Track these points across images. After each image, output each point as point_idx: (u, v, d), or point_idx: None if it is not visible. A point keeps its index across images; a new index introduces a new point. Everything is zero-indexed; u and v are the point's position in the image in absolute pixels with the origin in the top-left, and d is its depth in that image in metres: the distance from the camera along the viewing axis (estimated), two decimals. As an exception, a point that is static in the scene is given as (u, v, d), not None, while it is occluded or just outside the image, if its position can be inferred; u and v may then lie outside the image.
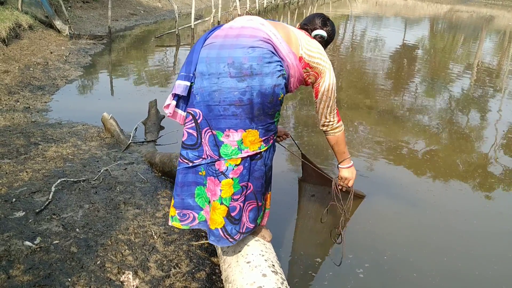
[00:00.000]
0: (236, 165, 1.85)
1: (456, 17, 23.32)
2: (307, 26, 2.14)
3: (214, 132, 1.85)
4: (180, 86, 1.87)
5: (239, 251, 2.04)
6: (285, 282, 1.85)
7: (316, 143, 4.33)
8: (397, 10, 25.36)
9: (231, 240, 1.93)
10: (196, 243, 2.45)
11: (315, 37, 2.11)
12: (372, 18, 20.35)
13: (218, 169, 1.87)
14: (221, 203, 1.88)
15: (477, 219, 3.18)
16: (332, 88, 2.03)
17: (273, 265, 1.93)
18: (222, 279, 2.11)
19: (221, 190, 1.87)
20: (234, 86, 1.75)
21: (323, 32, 2.11)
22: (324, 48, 2.13)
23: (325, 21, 2.15)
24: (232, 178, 1.86)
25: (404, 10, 25.74)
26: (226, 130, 1.82)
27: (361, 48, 11.71)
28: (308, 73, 1.98)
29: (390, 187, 3.56)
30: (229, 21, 2.32)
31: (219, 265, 2.26)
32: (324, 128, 2.14)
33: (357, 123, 5.18)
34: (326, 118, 2.09)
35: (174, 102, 1.92)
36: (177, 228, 2.54)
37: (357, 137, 4.74)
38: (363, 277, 2.43)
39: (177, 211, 2.03)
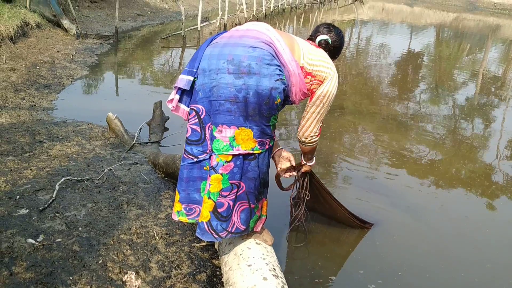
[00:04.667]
0: (227, 161, 1.87)
1: (462, 26, 23.22)
2: (312, 36, 2.18)
3: (212, 126, 1.90)
4: (183, 80, 1.94)
5: (241, 254, 2.05)
6: (286, 287, 1.85)
7: (318, 149, 4.34)
8: (403, 17, 25.33)
9: (215, 236, 1.95)
10: (198, 245, 2.45)
11: (319, 43, 2.13)
12: (378, 24, 20.34)
13: (211, 164, 1.91)
14: (209, 198, 1.91)
15: (488, 228, 3.17)
16: (328, 96, 2.02)
17: (274, 269, 1.94)
18: (223, 282, 2.12)
19: (210, 185, 1.90)
20: (231, 82, 1.79)
21: (325, 37, 2.13)
22: (333, 59, 2.14)
23: (329, 28, 2.18)
24: (221, 174, 1.88)
25: (410, 17, 25.71)
26: (220, 125, 1.85)
27: (366, 54, 11.71)
28: (311, 82, 1.99)
29: (401, 197, 3.50)
30: (235, 24, 2.35)
31: (220, 267, 2.27)
32: (303, 140, 2.16)
33: (361, 129, 5.18)
34: (309, 132, 2.10)
35: (177, 97, 1.99)
36: (178, 230, 2.56)
37: (362, 143, 4.74)
38: None
39: (183, 206, 2.06)
